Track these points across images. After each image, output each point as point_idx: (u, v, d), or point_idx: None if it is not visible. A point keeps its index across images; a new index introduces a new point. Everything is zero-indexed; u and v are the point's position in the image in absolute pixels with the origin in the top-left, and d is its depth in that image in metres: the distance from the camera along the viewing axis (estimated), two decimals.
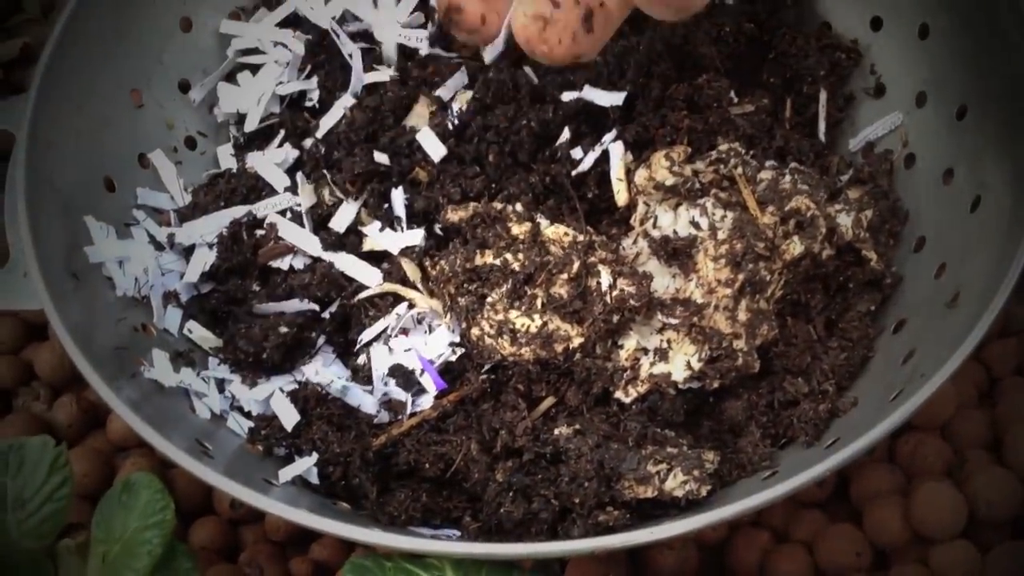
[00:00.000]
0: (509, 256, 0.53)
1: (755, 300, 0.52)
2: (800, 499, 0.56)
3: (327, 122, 0.61)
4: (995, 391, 0.58)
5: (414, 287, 0.55)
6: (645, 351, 0.52)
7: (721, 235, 0.52)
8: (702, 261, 0.52)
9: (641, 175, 0.55)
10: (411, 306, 0.54)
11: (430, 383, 0.53)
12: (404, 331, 0.54)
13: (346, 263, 0.56)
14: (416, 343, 0.54)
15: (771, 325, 0.52)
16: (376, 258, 0.57)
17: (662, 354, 0.52)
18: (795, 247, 0.52)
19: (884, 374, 0.51)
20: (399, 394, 0.53)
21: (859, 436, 0.44)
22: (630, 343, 0.52)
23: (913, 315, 0.53)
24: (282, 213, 0.58)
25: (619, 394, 0.52)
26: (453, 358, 0.53)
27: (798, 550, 0.54)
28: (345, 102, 0.62)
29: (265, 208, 0.58)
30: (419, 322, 0.55)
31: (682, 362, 0.52)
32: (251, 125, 0.63)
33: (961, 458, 0.55)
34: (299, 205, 0.58)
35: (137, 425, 0.46)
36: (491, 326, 0.52)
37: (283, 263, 0.57)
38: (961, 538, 0.52)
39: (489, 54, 0.60)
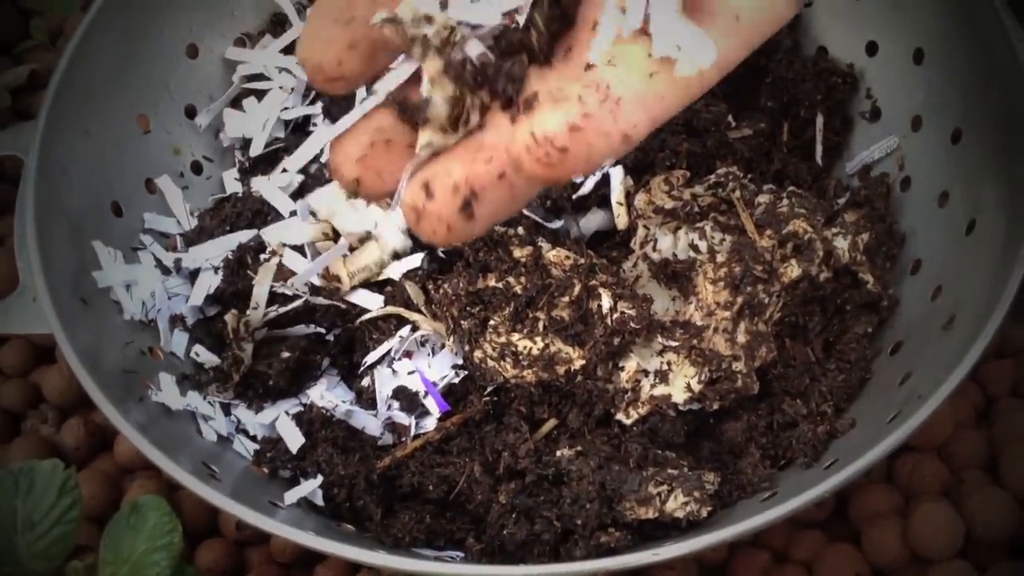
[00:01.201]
0: (511, 279, 0.53)
1: (754, 322, 0.53)
2: (799, 519, 0.56)
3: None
4: (991, 411, 0.58)
5: (417, 310, 0.56)
6: (646, 373, 0.53)
7: (720, 258, 0.53)
8: (701, 284, 0.53)
9: (641, 199, 0.56)
10: (414, 329, 0.55)
11: (433, 405, 0.53)
12: (408, 354, 0.55)
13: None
14: (420, 365, 0.55)
15: (770, 347, 0.53)
16: (379, 284, 0.58)
17: (662, 376, 0.52)
18: (793, 270, 0.53)
19: (881, 396, 0.52)
20: (403, 417, 0.54)
21: (857, 457, 0.44)
22: (631, 365, 0.53)
23: (910, 337, 0.54)
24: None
25: (620, 416, 0.52)
26: (456, 380, 0.54)
27: (798, 570, 0.54)
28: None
29: (271, 234, 0.59)
30: (422, 344, 0.55)
31: (682, 384, 0.52)
32: (256, 150, 0.64)
33: (958, 478, 0.55)
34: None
35: (145, 448, 0.47)
36: (493, 349, 0.52)
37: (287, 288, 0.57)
38: (959, 558, 0.52)
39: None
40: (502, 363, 0.52)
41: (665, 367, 0.53)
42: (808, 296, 0.55)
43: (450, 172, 0.32)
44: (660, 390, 0.52)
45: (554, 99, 0.31)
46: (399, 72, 0.34)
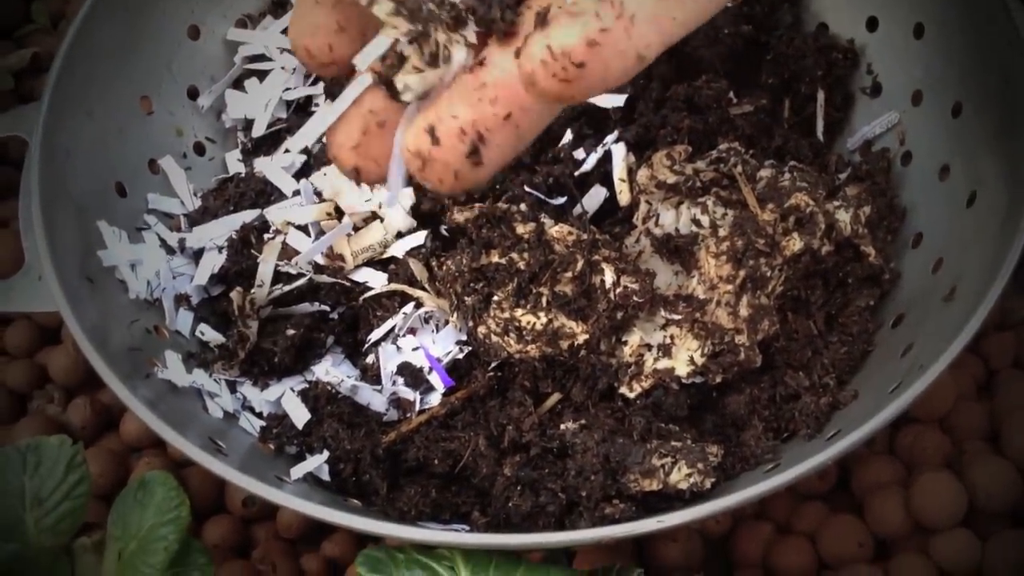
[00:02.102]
0: (514, 255, 0.53)
1: (756, 296, 0.53)
2: (802, 492, 0.57)
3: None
4: (993, 383, 0.59)
5: (421, 287, 0.56)
6: (649, 347, 0.53)
7: (722, 232, 0.53)
8: (704, 258, 0.53)
9: (643, 174, 0.56)
10: (418, 305, 0.55)
11: (438, 381, 0.54)
12: (412, 330, 0.55)
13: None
14: (424, 342, 0.55)
15: (772, 320, 0.53)
16: (383, 262, 0.58)
17: (665, 350, 0.53)
18: (795, 243, 0.53)
19: (884, 367, 0.52)
20: (407, 392, 0.54)
21: (859, 427, 0.45)
22: (634, 339, 0.53)
23: (911, 309, 0.54)
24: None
25: (624, 389, 0.53)
26: (460, 356, 0.54)
27: (801, 541, 0.54)
28: None
29: (275, 213, 0.59)
30: (426, 321, 0.56)
31: (685, 357, 0.53)
32: (259, 131, 0.65)
33: (960, 449, 0.56)
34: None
35: (154, 423, 0.47)
36: (497, 324, 0.53)
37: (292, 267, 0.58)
38: (961, 527, 0.53)
39: (388, 199, 0.58)
40: (506, 338, 0.52)
41: (668, 341, 0.53)
42: (810, 270, 0.55)
43: (456, 115, 0.31)
44: (663, 363, 0.53)
45: (570, 13, 0.29)
46: (375, 46, 0.33)
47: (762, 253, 0.52)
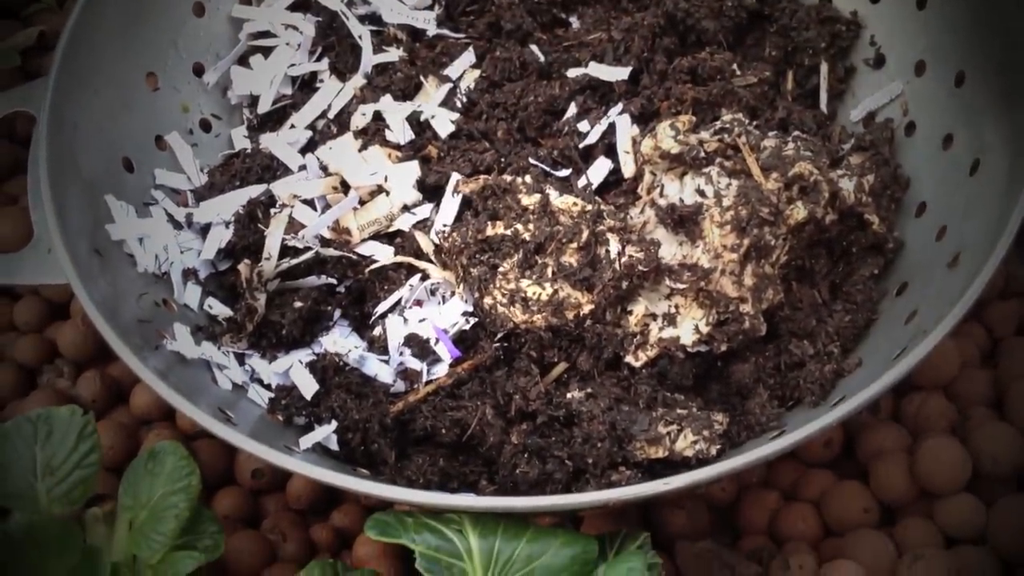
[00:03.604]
0: (519, 226, 0.54)
1: (760, 264, 0.53)
2: (808, 459, 0.57)
3: (339, 103, 0.63)
4: (997, 351, 0.59)
5: (428, 260, 0.56)
6: (654, 317, 0.53)
7: (726, 202, 0.53)
8: (708, 227, 0.53)
9: (647, 145, 0.56)
10: (424, 277, 0.56)
11: (445, 352, 0.54)
12: (418, 302, 0.56)
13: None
14: (430, 313, 0.55)
15: (776, 289, 0.54)
16: (389, 236, 0.58)
17: (670, 319, 0.53)
18: (799, 212, 0.53)
19: (888, 335, 0.53)
20: (414, 363, 0.54)
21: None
22: (639, 309, 0.53)
23: (915, 277, 0.54)
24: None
25: (629, 359, 0.53)
26: (467, 327, 0.54)
27: (806, 508, 0.55)
28: (356, 82, 0.63)
29: (281, 188, 0.59)
30: (432, 293, 0.56)
31: (690, 326, 0.53)
32: (264, 107, 0.65)
33: (964, 416, 0.56)
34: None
35: (165, 392, 0.47)
36: (503, 295, 0.53)
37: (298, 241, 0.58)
38: (966, 492, 0.53)
39: None
40: (512, 309, 0.53)
41: (673, 310, 0.53)
42: (814, 239, 0.55)
43: None
44: (668, 332, 0.53)
45: None
46: None
47: (766, 222, 0.53)
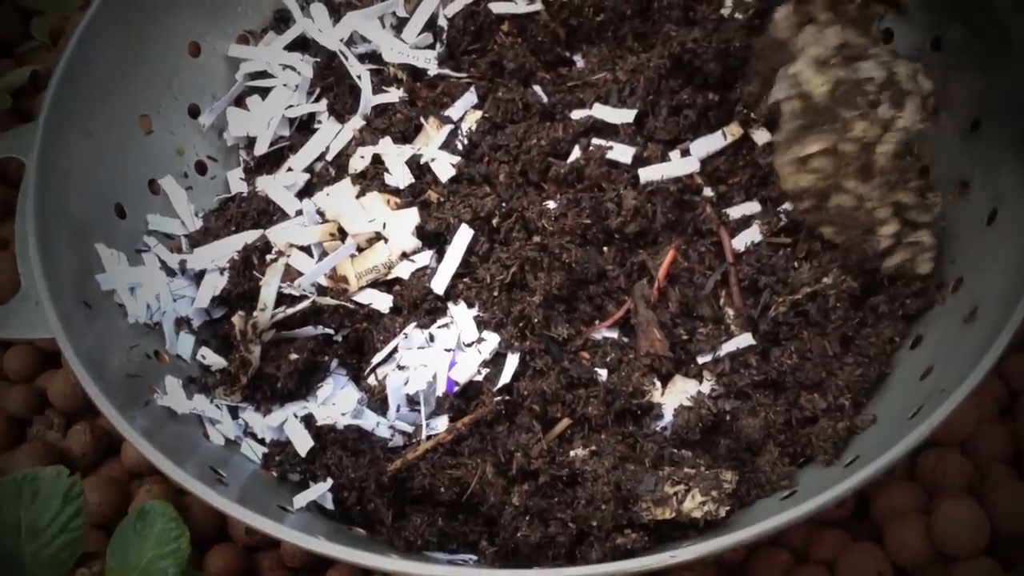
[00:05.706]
0: None
1: None
2: (820, 518, 0.55)
3: (337, 144, 0.61)
4: (1015, 405, 0.57)
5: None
6: None
7: None
8: None
9: None
10: (421, 327, 0.54)
11: (442, 385, 0.52)
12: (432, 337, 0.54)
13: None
14: (431, 358, 0.53)
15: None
16: (387, 284, 0.57)
17: None
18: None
19: (903, 390, 0.51)
20: (413, 418, 0.53)
21: (879, 454, 0.43)
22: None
23: (930, 331, 0.52)
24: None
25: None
26: (479, 377, 0.53)
27: (819, 570, 0.53)
28: (355, 124, 0.62)
29: (277, 234, 0.58)
30: (432, 340, 0.54)
31: None
32: (261, 149, 0.64)
33: (983, 474, 0.54)
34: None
35: (150, 454, 0.46)
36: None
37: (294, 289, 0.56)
38: (983, 555, 0.51)
39: None
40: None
41: None
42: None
43: None
44: None
45: None
46: None
47: None
